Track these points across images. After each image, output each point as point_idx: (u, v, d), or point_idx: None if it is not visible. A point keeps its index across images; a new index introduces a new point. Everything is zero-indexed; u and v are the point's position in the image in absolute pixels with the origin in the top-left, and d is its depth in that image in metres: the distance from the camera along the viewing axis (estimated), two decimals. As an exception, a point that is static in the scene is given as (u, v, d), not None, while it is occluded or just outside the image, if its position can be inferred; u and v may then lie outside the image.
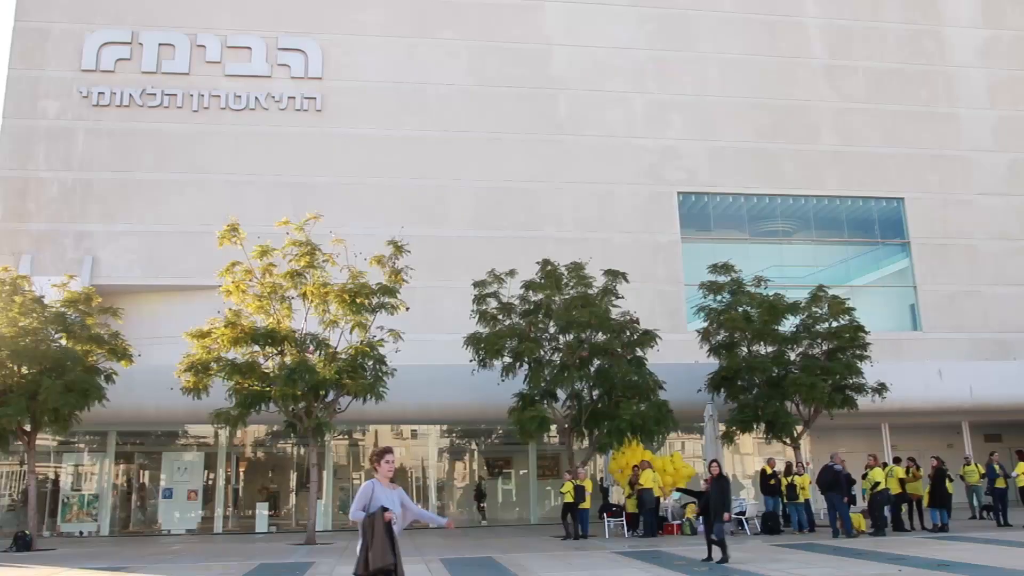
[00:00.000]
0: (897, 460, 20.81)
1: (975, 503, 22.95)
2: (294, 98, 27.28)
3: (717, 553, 14.43)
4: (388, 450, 8.19)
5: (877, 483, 19.06)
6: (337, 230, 20.28)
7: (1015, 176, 32.94)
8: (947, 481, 19.78)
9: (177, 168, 26.22)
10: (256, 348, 19.36)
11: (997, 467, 21.09)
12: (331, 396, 19.68)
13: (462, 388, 21.84)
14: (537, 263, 21.54)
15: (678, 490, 18.64)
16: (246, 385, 19.01)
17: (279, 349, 19.36)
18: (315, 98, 27.37)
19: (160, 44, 27.09)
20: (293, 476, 25.20)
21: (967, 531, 19.12)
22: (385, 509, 7.88)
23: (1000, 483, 20.78)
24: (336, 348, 19.53)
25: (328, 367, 19.04)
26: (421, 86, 28.16)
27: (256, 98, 27.09)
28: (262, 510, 23.67)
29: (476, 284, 21.10)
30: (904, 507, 20.49)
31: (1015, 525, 19.91)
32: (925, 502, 20.01)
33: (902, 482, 20.24)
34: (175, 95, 26.73)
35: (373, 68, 28.14)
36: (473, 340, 20.25)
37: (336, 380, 19.00)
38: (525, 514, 25.64)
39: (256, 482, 25.07)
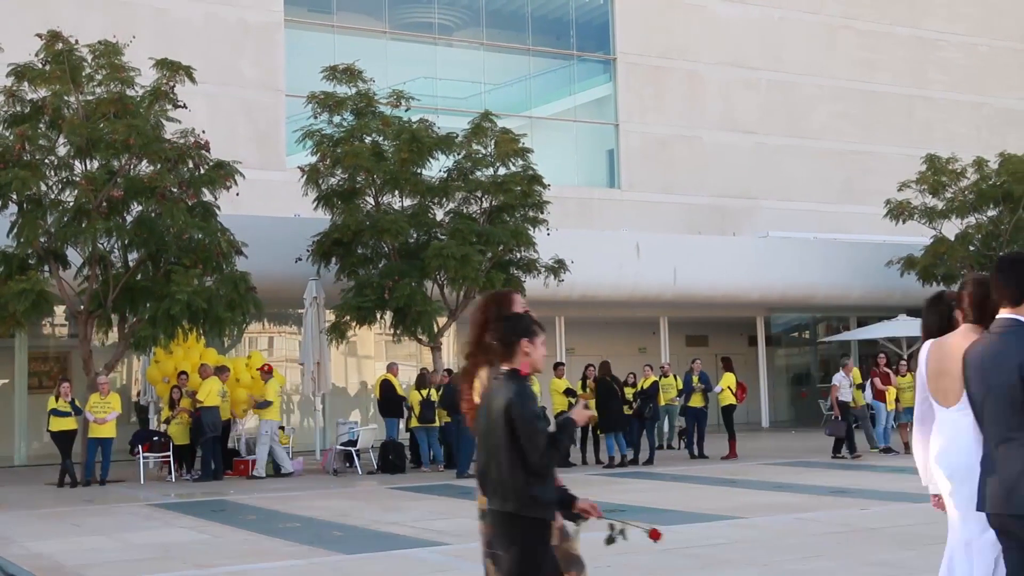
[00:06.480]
0: (558, 366, 22.40)
1: (666, 427, 25.65)
2: None
3: None
4: None
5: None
6: None
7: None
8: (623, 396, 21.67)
9: None
10: None
11: (696, 379, 23.38)
12: None
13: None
14: (40, 36, 20.52)
15: None
16: None
17: None
18: None
19: None
20: None
21: (655, 465, 21.42)
22: None
23: (697, 400, 23.21)
24: None
25: None
26: None
27: None
28: None
29: (-76, 65, 20.28)
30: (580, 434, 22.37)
31: (712, 456, 22.53)
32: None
33: (570, 399, 21.66)
34: None
35: None
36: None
37: None
38: (7, 451, 25.15)
39: None
